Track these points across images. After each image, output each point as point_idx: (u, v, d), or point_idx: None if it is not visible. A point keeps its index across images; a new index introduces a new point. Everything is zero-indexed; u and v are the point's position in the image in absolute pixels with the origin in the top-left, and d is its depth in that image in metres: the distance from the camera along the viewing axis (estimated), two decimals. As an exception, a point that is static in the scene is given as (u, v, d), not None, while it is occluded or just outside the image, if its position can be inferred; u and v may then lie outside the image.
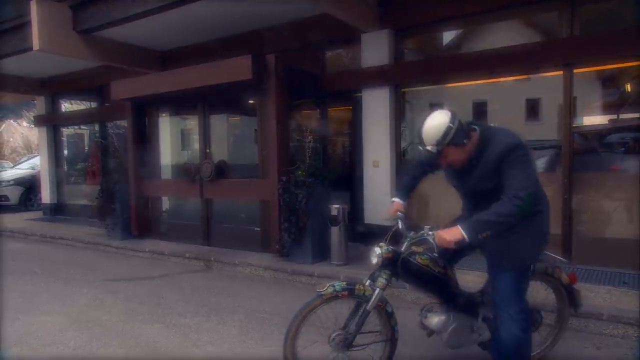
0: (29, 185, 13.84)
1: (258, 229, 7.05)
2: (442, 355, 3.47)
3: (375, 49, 6.62)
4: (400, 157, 6.74)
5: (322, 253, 6.18)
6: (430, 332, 3.09)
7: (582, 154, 5.84)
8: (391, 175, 6.63)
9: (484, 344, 3.03)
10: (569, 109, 5.39)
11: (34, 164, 14.45)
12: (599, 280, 4.83)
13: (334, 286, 2.81)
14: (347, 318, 2.87)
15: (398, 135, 6.72)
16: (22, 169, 15.02)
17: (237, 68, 6.32)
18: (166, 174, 8.88)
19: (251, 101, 7.61)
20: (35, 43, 7.10)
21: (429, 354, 3.52)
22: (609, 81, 6.26)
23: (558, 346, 3.36)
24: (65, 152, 12.49)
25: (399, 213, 3.03)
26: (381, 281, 2.78)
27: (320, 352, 3.10)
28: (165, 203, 8.99)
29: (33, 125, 13.73)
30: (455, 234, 2.41)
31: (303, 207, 5.99)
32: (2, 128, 27.92)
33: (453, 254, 2.94)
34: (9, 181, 13.76)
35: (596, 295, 4.37)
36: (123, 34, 7.85)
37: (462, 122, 2.57)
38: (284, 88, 6.50)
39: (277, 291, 5.38)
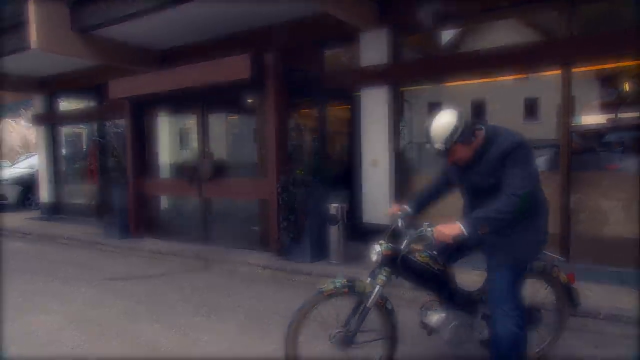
0: (27, 185, 13.80)
1: (257, 228, 7.05)
2: (441, 354, 3.48)
3: (374, 48, 6.63)
4: (399, 156, 6.75)
5: (320, 252, 6.18)
6: (431, 331, 3.09)
7: (580, 153, 5.86)
8: (390, 175, 6.64)
9: (484, 342, 3.04)
10: (567, 108, 5.40)
11: (32, 163, 14.42)
12: (596, 279, 4.83)
13: (334, 283, 2.83)
14: (348, 315, 2.87)
15: (397, 135, 6.73)
16: (20, 168, 14.98)
17: (235, 67, 6.32)
18: (165, 173, 8.87)
19: (250, 100, 7.61)
20: (33, 42, 7.09)
21: (428, 353, 3.52)
22: (607, 81, 6.28)
23: (557, 345, 3.36)
24: (64, 151, 12.46)
25: (399, 212, 3.04)
26: (381, 278, 2.79)
27: (321, 349, 3.10)
28: (164, 202, 8.98)
29: (31, 124, 13.70)
30: (454, 228, 2.47)
31: (302, 206, 5.99)
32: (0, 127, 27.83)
33: (453, 253, 2.96)
34: (7, 180, 13.72)
35: (594, 294, 4.37)
36: (121, 33, 7.84)
37: (469, 121, 2.62)
38: (283, 87, 6.50)
39: (276, 290, 5.38)
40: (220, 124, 9.08)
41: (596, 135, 6.26)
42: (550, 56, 5.45)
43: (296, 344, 2.86)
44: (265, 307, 4.76)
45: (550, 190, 5.29)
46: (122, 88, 7.99)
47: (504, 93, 7.00)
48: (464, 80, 6.38)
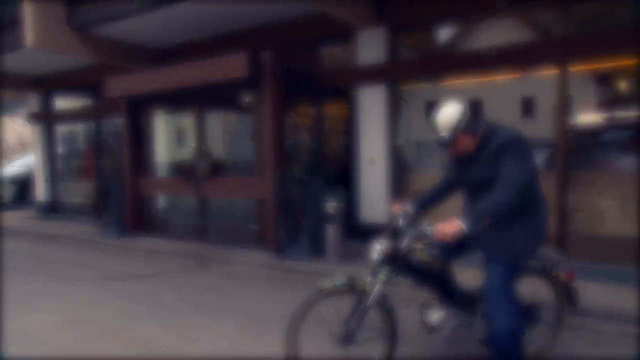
0: (24, 183, 13.75)
1: (254, 227, 7.05)
2: (441, 353, 3.49)
3: (371, 47, 6.63)
4: (396, 155, 6.76)
5: (318, 250, 6.19)
6: (431, 329, 3.10)
7: (577, 152, 5.88)
8: (387, 173, 6.65)
9: (483, 341, 3.05)
10: (564, 107, 5.44)
11: (28, 161, 14.35)
12: (594, 277, 4.86)
13: (334, 282, 2.84)
14: (348, 314, 2.88)
15: (394, 133, 6.74)
16: (16, 167, 14.91)
17: (232, 65, 6.31)
18: (162, 171, 8.86)
19: (247, 99, 7.60)
20: (29, 40, 7.06)
21: (428, 352, 3.53)
22: (604, 80, 6.29)
23: (555, 343, 3.38)
24: (60, 149, 12.42)
25: (400, 211, 3.05)
26: (381, 277, 2.80)
27: (321, 347, 3.11)
28: (161, 201, 8.96)
29: (27, 123, 13.63)
30: (453, 226, 2.51)
31: (299, 204, 6.00)
32: (-5, 125, 27.70)
33: (453, 251, 2.97)
34: (2, 179, 13.65)
35: (592, 292, 4.40)
36: (118, 31, 7.81)
37: (472, 115, 2.72)
38: (280, 85, 6.49)
39: (274, 289, 5.39)
40: (217, 122, 9.07)
41: (593, 134, 6.27)
42: (547, 55, 5.48)
43: (296, 342, 2.87)
44: (263, 305, 4.77)
45: (546, 188, 5.34)
46: (119, 86, 7.96)
47: (500, 92, 7.01)
48: (460, 79, 6.39)
